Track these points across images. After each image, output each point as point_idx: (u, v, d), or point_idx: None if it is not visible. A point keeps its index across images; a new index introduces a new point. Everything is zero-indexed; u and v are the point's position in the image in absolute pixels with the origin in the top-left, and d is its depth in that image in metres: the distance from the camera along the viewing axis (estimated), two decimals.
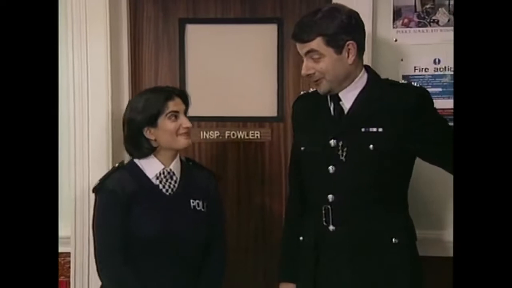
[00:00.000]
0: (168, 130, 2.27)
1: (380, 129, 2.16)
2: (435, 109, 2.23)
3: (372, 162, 2.16)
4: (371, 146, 2.15)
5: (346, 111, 2.22)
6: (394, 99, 2.18)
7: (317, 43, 2.16)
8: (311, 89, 2.38)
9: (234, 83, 3.01)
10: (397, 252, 2.19)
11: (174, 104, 2.28)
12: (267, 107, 3.00)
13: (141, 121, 2.27)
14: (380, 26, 2.73)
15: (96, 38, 2.81)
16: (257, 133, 3.00)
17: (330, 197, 2.20)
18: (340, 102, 2.23)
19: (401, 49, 2.69)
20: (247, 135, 3.01)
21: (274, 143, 3.00)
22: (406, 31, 2.73)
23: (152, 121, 2.26)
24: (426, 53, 2.71)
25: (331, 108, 2.26)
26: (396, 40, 2.73)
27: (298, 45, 2.21)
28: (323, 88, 2.22)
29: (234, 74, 2.99)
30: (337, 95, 2.23)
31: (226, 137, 3.01)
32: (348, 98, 2.22)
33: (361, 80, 2.23)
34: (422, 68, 2.72)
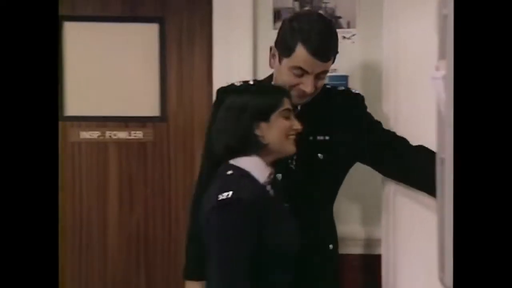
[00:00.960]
0: (281, 128, 1.98)
1: (327, 137, 2.15)
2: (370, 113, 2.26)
3: (320, 171, 2.15)
4: (319, 154, 2.14)
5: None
6: (338, 106, 2.18)
7: (330, 63, 2.06)
8: (238, 82, 2.28)
9: (115, 82, 2.97)
10: (332, 258, 2.23)
11: (287, 102, 2.02)
12: (149, 106, 2.98)
13: (255, 113, 1.97)
14: (260, 28, 2.78)
15: None
16: (139, 133, 2.97)
17: None
18: (295, 110, 2.15)
19: None
20: (129, 135, 2.97)
21: (157, 144, 2.99)
22: None
23: (266, 116, 1.98)
24: None
25: None
26: None
27: (313, 62, 2.02)
28: (303, 101, 2.12)
29: (115, 73, 2.95)
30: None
31: (107, 137, 2.96)
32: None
33: None
34: None
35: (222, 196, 1.91)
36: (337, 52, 2.08)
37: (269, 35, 2.78)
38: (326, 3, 2.77)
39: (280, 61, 2.09)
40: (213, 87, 2.83)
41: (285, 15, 2.78)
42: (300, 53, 2.02)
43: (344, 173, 2.26)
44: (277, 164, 2.10)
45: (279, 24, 2.77)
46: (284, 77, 2.07)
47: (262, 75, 2.46)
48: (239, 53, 2.76)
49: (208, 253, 1.94)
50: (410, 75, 2.20)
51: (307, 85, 2.05)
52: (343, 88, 2.28)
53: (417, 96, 2.08)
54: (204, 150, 2.33)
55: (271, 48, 2.14)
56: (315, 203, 2.20)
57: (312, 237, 2.17)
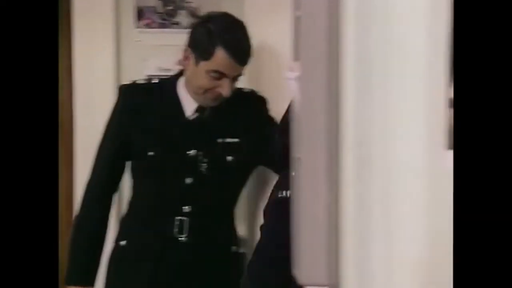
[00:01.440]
0: None
1: (236, 140, 2.12)
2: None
3: (230, 174, 2.12)
4: (229, 157, 2.11)
5: (203, 121, 2.13)
6: (245, 108, 2.15)
7: (245, 66, 2.07)
8: (143, 80, 2.23)
9: None
10: (236, 260, 2.20)
11: None
12: None
13: None
14: (123, 26, 2.73)
15: None
16: None
17: (185, 208, 2.11)
18: (205, 112, 2.12)
19: (144, 49, 2.71)
20: None
21: None
22: (149, 32, 2.76)
23: None
24: (169, 53, 2.75)
25: (188, 116, 2.13)
26: (139, 40, 2.75)
27: (232, 66, 2.02)
28: (217, 103, 2.09)
29: None
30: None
31: None
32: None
33: None
34: (165, 69, 2.77)
35: (282, 194, 1.93)
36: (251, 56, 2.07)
37: (132, 33, 2.75)
38: (189, 2, 2.76)
39: (196, 63, 2.05)
40: (73, 86, 2.75)
41: (148, 14, 2.75)
42: (220, 56, 2.01)
43: (249, 176, 2.26)
44: (185, 167, 2.11)
45: (142, 22, 2.75)
46: (200, 80, 2.05)
47: (125, 74, 2.43)
48: (100, 51, 2.70)
49: (257, 248, 1.94)
50: (271, 76, 2.25)
51: (225, 88, 2.03)
52: (248, 90, 2.27)
53: (277, 97, 2.13)
54: (100, 148, 2.23)
55: (185, 50, 2.09)
56: (220, 205, 2.19)
57: (214, 239, 2.17)
